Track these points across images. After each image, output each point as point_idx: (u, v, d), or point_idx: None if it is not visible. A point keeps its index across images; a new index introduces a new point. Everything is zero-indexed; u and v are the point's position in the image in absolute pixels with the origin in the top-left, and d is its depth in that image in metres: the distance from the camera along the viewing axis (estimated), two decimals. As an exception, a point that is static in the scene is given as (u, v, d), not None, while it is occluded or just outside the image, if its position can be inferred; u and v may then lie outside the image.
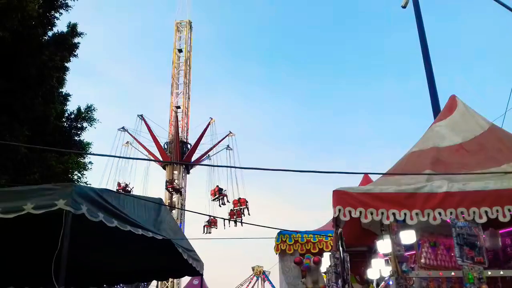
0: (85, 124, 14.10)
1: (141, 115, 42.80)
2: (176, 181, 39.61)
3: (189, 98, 46.89)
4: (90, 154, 15.19)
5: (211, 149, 43.31)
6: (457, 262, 4.30)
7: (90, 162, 13.98)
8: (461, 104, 6.23)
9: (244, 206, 35.68)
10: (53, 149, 10.51)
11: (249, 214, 36.11)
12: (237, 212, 35.71)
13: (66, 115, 14.06)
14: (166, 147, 42.65)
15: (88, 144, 14.25)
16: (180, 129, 45.54)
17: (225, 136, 43.77)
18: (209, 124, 43.80)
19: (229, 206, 36.46)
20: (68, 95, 14.36)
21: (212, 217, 35.75)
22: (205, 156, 43.37)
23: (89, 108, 14.20)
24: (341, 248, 5.13)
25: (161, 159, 42.51)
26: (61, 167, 11.77)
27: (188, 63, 47.63)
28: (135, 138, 42.46)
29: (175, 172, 42.43)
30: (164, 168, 42.85)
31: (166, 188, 38.82)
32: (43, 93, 11.82)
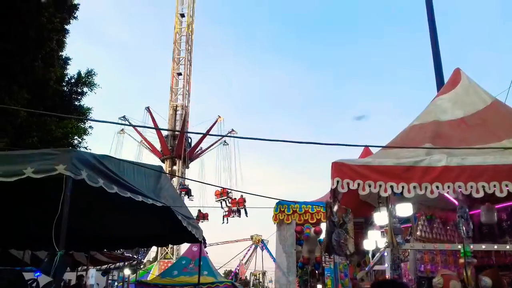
0: (85, 89, 14.02)
1: (148, 107, 43.80)
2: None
3: (190, 64, 46.46)
4: (90, 119, 15.15)
5: (201, 139, 44.29)
6: (461, 235, 4.33)
7: (90, 127, 14.00)
8: (465, 77, 6.14)
9: (242, 206, 37.36)
10: (52, 114, 10.47)
11: (246, 214, 37.99)
12: (240, 203, 37.26)
13: (66, 79, 13.96)
14: (166, 139, 43.60)
15: (89, 109, 14.21)
16: (181, 96, 45.44)
17: (215, 122, 44.39)
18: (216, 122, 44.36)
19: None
20: (68, 58, 14.22)
21: (201, 212, 37.80)
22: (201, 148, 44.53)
23: (90, 73, 14.08)
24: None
25: (160, 150, 43.49)
26: (61, 131, 11.77)
27: (191, 28, 46.84)
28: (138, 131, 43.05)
29: (175, 166, 42.87)
30: (164, 162, 42.95)
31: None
32: (43, 56, 11.67)
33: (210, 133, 44.88)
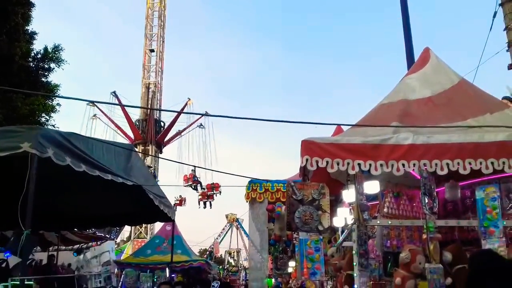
0: (52, 65, 13.55)
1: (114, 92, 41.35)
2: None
3: (163, 40, 45.57)
4: (57, 96, 14.72)
5: (173, 122, 42.77)
6: (424, 211, 4.44)
7: (58, 104, 13.59)
8: (434, 57, 6.23)
9: (218, 191, 36.06)
10: (18, 90, 10.12)
11: (210, 206, 36.56)
12: (210, 196, 36.35)
13: (33, 54, 13.44)
14: (138, 123, 42.24)
15: (56, 86, 13.77)
16: (154, 73, 44.62)
17: (184, 105, 42.60)
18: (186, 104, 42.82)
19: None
20: (35, 33, 13.68)
21: (180, 196, 36.43)
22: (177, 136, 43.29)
23: (57, 48, 13.60)
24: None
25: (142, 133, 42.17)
26: (28, 108, 11.43)
27: (163, 3, 45.77)
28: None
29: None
30: (136, 147, 41.76)
31: None
32: (8, 30, 11.24)
33: (182, 118, 42.91)
